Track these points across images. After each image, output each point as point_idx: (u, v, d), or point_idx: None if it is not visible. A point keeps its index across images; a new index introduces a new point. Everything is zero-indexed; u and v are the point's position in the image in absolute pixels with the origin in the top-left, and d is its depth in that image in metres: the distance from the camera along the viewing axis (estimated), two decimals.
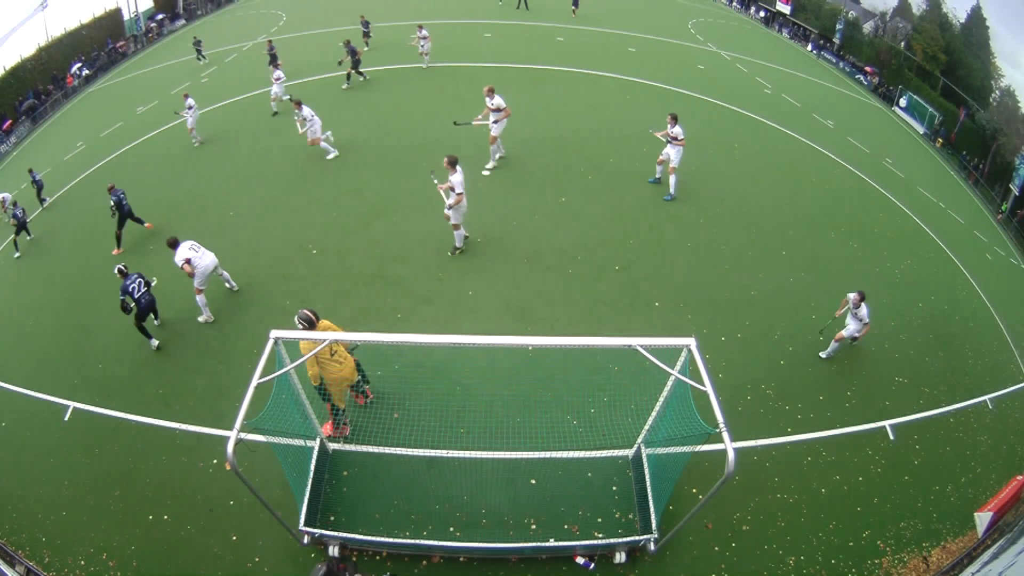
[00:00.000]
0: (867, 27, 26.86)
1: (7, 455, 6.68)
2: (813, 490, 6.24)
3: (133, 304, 7.43)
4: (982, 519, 6.08)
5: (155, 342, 7.78)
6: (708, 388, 4.23)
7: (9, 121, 20.38)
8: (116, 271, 7.71)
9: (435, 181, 8.88)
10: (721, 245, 9.91)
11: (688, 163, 10.86)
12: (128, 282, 7.43)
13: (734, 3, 33.14)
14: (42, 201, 12.48)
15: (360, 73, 16.03)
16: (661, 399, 5.13)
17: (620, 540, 5.33)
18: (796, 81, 21.14)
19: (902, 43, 24.89)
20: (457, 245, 9.22)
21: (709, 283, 9.01)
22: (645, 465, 5.66)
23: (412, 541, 5.23)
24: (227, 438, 4.02)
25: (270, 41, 17.65)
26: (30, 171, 12.73)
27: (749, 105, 16.28)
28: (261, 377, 4.29)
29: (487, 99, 10.68)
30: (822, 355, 7.89)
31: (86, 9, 24.89)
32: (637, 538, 5.30)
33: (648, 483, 5.52)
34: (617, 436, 5.88)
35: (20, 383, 7.49)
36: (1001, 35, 21.19)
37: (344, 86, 15.90)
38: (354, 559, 5.36)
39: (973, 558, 5.66)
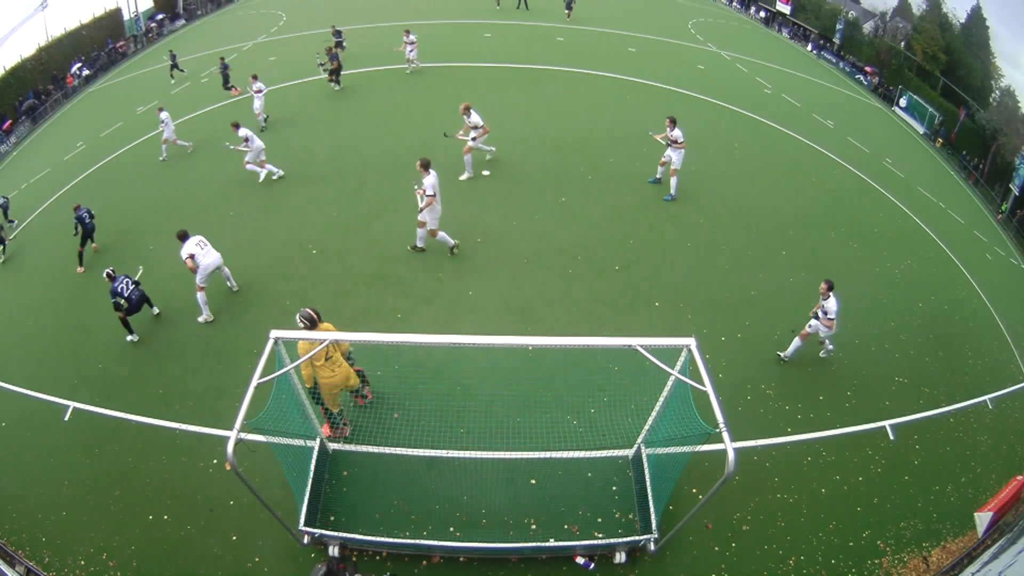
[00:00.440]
0: (867, 27, 26.86)
1: (7, 455, 6.68)
2: (813, 490, 6.23)
3: (124, 302, 7.67)
4: (982, 519, 6.07)
5: (134, 337, 7.92)
6: (708, 388, 4.23)
7: (9, 121, 20.37)
8: (104, 275, 7.92)
9: (415, 186, 8.57)
10: (721, 245, 9.91)
11: (688, 163, 10.85)
12: (116, 284, 7.70)
13: (734, 3, 33.15)
14: (10, 222, 12.03)
15: (336, 81, 15.85)
16: (661, 399, 5.13)
17: (620, 540, 5.33)
18: (796, 81, 21.14)
19: (902, 43, 24.90)
20: (418, 244, 9.19)
21: (709, 283, 9.01)
22: (645, 465, 5.65)
23: (412, 541, 5.23)
24: (227, 438, 4.02)
25: (222, 59, 17.13)
26: None
27: (749, 105, 16.29)
28: (261, 377, 4.29)
29: (464, 117, 10.51)
30: (781, 355, 7.65)
31: (86, 9, 24.94)
32: (637, 538, 5.30)
33: (648, 483, 5.51)
34: (617, 436, 5.87)
35: (20, 383, 7.49)
36: (1001, 35, 21.24)
37: (336, 88, 15.90)
38: (354, 559, 5.36)
39: (973, 558, 5.65)
